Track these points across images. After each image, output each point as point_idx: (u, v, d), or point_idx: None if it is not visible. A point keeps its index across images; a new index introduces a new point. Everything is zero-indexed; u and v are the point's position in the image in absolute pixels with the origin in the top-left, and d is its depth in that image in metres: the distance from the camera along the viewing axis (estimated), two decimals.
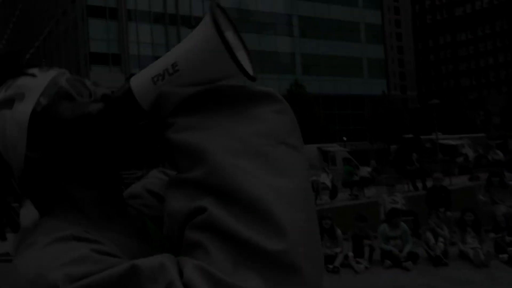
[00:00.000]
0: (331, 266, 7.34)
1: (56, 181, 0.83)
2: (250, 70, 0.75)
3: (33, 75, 0.84)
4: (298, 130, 0.75)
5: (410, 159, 18.35)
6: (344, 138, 51.18)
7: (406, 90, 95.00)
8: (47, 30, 60.14)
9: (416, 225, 9.36)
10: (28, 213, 0.88)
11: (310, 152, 24.72)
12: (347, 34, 62.90)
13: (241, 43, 0.78)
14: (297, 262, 0.59)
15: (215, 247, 0.59)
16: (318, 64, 60.21)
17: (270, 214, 0.60)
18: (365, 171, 20.80)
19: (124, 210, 0.88)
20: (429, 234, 7.90)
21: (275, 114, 0.71)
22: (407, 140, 28.59)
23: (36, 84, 0.83)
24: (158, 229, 0.87)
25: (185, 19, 50.10)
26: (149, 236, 0.87)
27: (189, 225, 0.63)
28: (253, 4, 56.92)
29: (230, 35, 0.75)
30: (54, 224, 0.77)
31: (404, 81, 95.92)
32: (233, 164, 0.65)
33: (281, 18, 59.15)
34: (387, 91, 64.94)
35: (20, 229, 0.84)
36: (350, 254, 7.60)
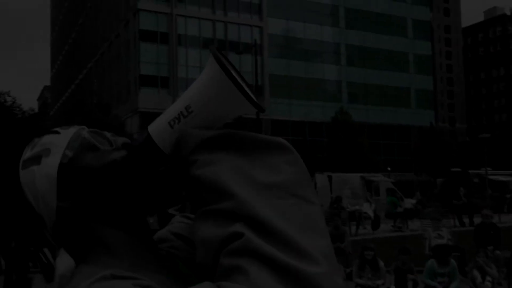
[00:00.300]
0: None
1: (88, 228, 0.86)
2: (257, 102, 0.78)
3: (56, 132, 0.91)
4: (310, 181, 0.76)
5: (457, 194, 17.86)
6: (389, 169, 50.25)
7: (455, 122, 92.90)
8: (100, 52, 62.14)
9: (462, 262, 9.00)
10: (62, 262, 0.90)
11: (353, 181, 24.44)
12: (396, 64, 62.30)
13: (243, 79, 0.82)
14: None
15: (254, 270, 0.61)
16: (365, 93, 59.75)
17: (299, 242, 0.64)
18: (409, 203, 20.36)
19: (155, 252, 0.91)
20: (476, 272, 7.58)
21: (287, 166, 0.73)
22: (454, 174, 27.88)
23: (60, 139, 0.89)
24: (188, 269, 0.91)
25: (233, 45, 50.82)
26: (182, 275, 0.89)
27: (226, 250, 0.65)
28: (301, 32, 57.27)
29: (234, 73, 0.79)
30: (92, 269, 0.79)
31: (453, 113, 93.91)
32: (258, 199, 0.68)
33: (329, 46, 59.20)
34: (435, 122, 63.68)
35: (54, 278, 0.86)
36: (392, 287, 7.36)
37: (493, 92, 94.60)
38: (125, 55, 53.34)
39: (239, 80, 0.79)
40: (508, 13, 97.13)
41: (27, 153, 0.89)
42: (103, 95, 55.41)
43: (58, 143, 0.88)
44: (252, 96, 0.78)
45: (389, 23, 62.51)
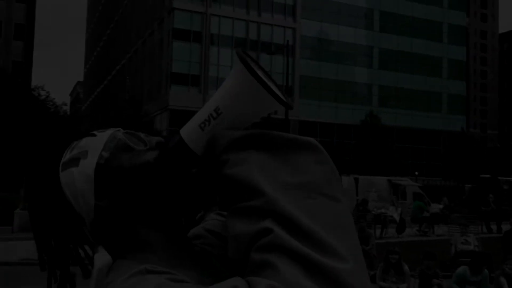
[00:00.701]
0: None
1: (125, 226, 0.90)
2: (285, 100, 0.80)
3: (93, 135, 0.95)
4: (339, 180, 0.77)
5: (486, 200, 17.64)
6: (416, 173, 49.73)
7: (487, 128, 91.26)
8: (133, 49, 63.05)
9: (489, 269, 8.94)
10: (100, 258, 0.96)
11: (380, 184, 24.31)
12: (429, 69, 61.55)
13: (270, 79, 0.84)
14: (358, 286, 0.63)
15: (284, 266, 0.63)
16: (396, 97, 59.21)
17: (326, 240, 0.65)
18: (436, 208, 20.16)
19: (190, 249, 0.94)
20: (503, 280, 7.52)
21: (317, 165, 0.75)
22: (483, 180, 27.46)
23: (97, 141, 0.94)
24: (221, 265, 0.93)
25: (265, 45, 51.02)
26: (215, 271, 0.91)
27: (256, 246, 0.67)
28: (334, 34, 57.10)
29: (260, 73, 0.81)
30: (128, 264, 0.82)
31: (485, 120, 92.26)
32: (287, 197, 0.70)
33: (362, 49, 58.85)
34: (466, 128, 62.68)
35: (91, 274, 0.97)
36: None
37: None
38: (158, 52, 54.03)
39: (263, 77, 0.80)
40: None
41: (67, 156, 0.94)
42: (135, 92, 56.23)
43: (95, 145, 0.93)
44: (278, 92, 0.80)
45: (424, 27, 61.82)
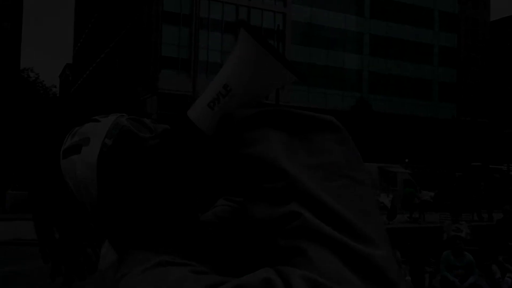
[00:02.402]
0: None
1: (132, 215, 0.85)
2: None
3: (96, 121, 0.90)
4: (360, 160, 0.72)
5: (477, 188, 17.56)
6: (406, 160, 49.79)
7: (478, 116, 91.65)
8: (122, 32, 62.26)
9: (481, 257, 8.79)
10: (107, 253, 0.91)
11: (370, 171, 24.19)
12: (420, 55, 61.46)
13: (277, 50, 0.77)
14: (391, 275, 0.58)
15: (316, 252, 0.58)
16: (386, 84, 59.11)
17: (357, 224, 0.61)
18: (427, 195, 20.10)
19: (202, 237, 0.89)
20: (496, 268, 7.36)
21: (337, 145, 0.70)
22: (474, 168, 27.47)
23: (99, 127, 0.88)
24: (234, 253, 0.88)
25: None
26: (227, 260, 0.86)
27: (283, 231, 0.62)
28: (325, 19, 56.68)
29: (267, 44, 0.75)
30: (143, 255, 0.77)
31: (476, 107, 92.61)
32: (310, 178, 0.65)
33: (352, 35, 58.55)
34: (457, 116, 62.81)
35: (97, 270, 0.85)
36: (408, 278, 7.19)
37: None
38: (147, 36, 53.37)
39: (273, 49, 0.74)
40: None
41: (67, 143, 0.89)
42: (124, 75, 55.62)
43: (97, 132, 0.88)
44: (290, 63, 0.74)
45: (415, 14, 61.57)
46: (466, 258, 7.35)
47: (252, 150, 0.69)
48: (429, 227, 14.32)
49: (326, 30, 56.58)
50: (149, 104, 48.55)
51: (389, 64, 59.64)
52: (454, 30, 65.82)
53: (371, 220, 0.63)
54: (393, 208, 17.30)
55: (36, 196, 0.89)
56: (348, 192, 0.65)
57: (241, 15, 52.48)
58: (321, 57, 55.90)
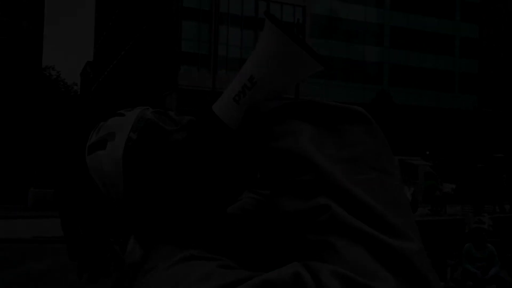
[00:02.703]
0: None
1: (158, 210, 0.84)
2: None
3: (121, 115, 0.90)
4: (390, 152, 0.71)
5: (499, 180, 17.45)
6: (427, 152, 49.43)
7: (500, 107, 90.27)
8: (143, 29, 62.73)
9: (503, 249, 8.84)
10: (133, 250, 0.89)
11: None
12: (441, 47, 60.79)
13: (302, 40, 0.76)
14: (424, 270, 0.57)
15: (345, 247, 0.57)
16: (407, 76, 58.63)
17: (389, 217, 0.59)
18: (448, 187, 20.04)
19: (229, 231, 0.88)
20: None
21: (367, 137, 0.69)
22: (496, 160, 27.20)
23: (124, 122, 0.88)
24: (259, 247, 0.87)
25: None
26: (252, 254, 0.85)
27: (311, 225, 0.61)
28: (344, 12, 56.39)
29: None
30: (169, 249, 0.77)
31: (498, 99, 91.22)
32: (340, 172, 0.64)
33: (372, 27, 58.16)
34: (479, 107, 62.05)
35: (123, 266, 0.84)
36: None
37: None
38: (166, 32, 53.72)
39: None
40: None
41: (93, 138, 0.88)
42: (144, 71, 56.10)
43: (122, 126, 0.87)
44: (315, 52, 0.72)
45: (436, 4, 60.86)
46: (488, 250, 7.40)
47: (282, 144, 0.68)
48: (451, 220, 14.31)
49: (346, 23, 56.28)
50: (168, 101, 48.93)
51: (410, 56, 59.11)
52: (476, 20, 64.88)
53: (403, 212, 0.62)
54: (415, 201, 17.30)
55: (62, 193, 0.89)
56: (379, 184, 0.64)
57: (261, 10, 52.50)
58: (341, 50, 55.65)
